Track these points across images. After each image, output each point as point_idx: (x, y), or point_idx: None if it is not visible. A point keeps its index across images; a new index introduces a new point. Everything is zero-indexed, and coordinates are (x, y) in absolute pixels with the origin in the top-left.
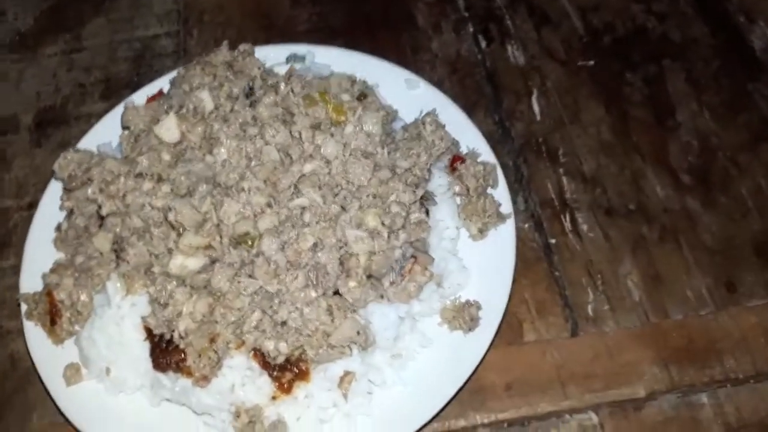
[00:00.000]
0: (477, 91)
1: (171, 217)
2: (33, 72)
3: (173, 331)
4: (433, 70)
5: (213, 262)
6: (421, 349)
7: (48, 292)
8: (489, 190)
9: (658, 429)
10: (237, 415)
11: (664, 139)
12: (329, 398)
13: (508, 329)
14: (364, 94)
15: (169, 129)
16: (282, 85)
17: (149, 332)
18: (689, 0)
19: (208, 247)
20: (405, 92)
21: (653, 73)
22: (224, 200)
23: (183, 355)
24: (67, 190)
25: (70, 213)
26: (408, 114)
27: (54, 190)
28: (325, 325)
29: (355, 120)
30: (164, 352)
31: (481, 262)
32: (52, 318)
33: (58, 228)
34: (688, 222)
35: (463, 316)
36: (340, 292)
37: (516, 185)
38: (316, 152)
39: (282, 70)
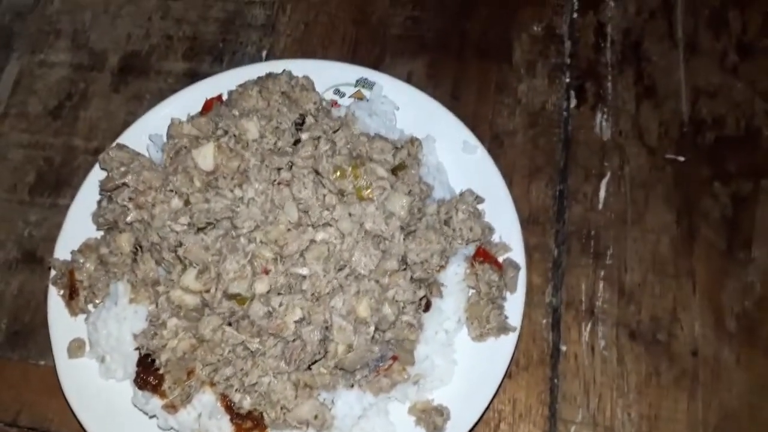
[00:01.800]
0: (548, 154)
1: (180, 252)
2: (129, 10)
3: (157, 357)
4: (511, 116)
5: (205, 305)
6: None
7: (70, 271)
8: (505, 293)
9: None
10: None
11: (726, 273)
12: None
13: (484, 425)
14: (403, 165)
15: (205, 157)
16: (323, 141)
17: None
18: None
19: (204, 292)
20: (460, 154)
21: (745, 192)
22: (227, 256)
23: (160, 380)
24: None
25: (109, 199)
26: (455, 178)
27: None
28: (286, 400)
29: (379, 202)
30: (147, 370)
31: (470, 362)
32: (71, 293)
33: (99, 203)
34: (713, 375)
35: (428, 420)
36: (311, 368)
37: (550, 273)
38: (332, 221)
39: (349, 91)
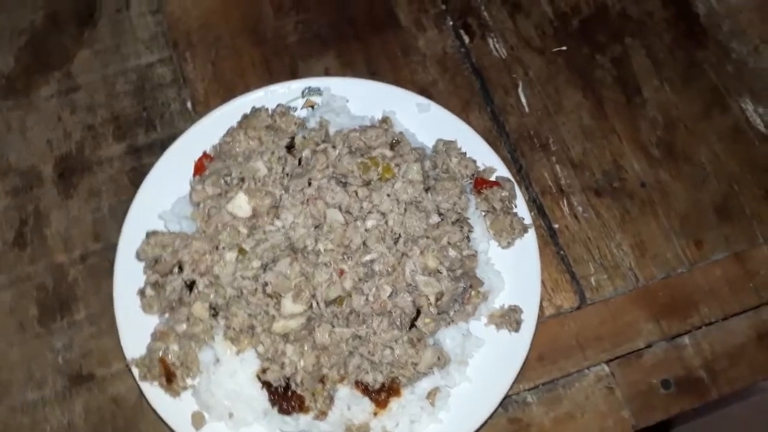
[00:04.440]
0: (468, 88)
1: (269, 290)
2: (35, 118)
3: (289, 381)
4: (426, 70)
5: (310, 319)
6: (477, 350)
7: (161, 359)
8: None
9: (654, 370)
10: None
11: (634, 117)
12: (418, 405)
13: None
14: (397, 141)
15: (241, 207)
16: (330, 149)
17: (266, 382)
18: None
19: (306, 310)
20: (417, 115)
21: (618, 53)
22: (314, 271)
23: (301, 399)
24: (154, 269)
25: (155, 284)
26: (425, 136)
27: (123, 258)
28: (412, 357)
29: (401, 175)
30: (284, 398)
31: (510, 265)
32: (167, 377)
33: (142, 294)
34: (661, 193)
35: (509, 320)
36: (416, 325)
37: (517, 177)
38: (373, 208)
39: (299, 103)
